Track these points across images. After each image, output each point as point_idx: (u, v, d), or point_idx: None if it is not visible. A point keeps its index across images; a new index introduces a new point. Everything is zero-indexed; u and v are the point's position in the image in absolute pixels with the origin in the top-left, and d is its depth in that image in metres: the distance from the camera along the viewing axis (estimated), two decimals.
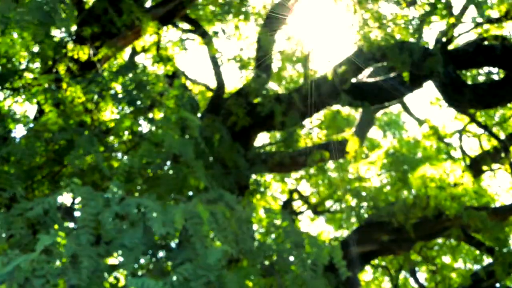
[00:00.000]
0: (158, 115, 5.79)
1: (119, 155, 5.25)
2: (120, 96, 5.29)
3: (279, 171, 9.38)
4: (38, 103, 5.61)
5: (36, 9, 4.73)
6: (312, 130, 8.77)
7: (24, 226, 3.76)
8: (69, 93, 5.44)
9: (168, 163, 4.70)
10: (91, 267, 2.93)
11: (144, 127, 5.45)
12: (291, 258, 3.64)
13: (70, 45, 6.50)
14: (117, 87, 5.48)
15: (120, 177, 4.17)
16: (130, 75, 5.36)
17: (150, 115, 5.93)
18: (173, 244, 3.52)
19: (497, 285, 9.31)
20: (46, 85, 5.13)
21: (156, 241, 3.17)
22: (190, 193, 4.49)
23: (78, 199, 3.46)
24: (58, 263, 2.98)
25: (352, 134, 8.35)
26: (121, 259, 3.19)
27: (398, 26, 7.15)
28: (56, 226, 3.43)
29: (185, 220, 2.99)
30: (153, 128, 4.97)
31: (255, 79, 7.32)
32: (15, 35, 6.11)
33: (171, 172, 4.67)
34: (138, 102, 5.39)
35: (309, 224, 12.67)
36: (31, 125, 5.74)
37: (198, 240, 2.97)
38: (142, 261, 3.43)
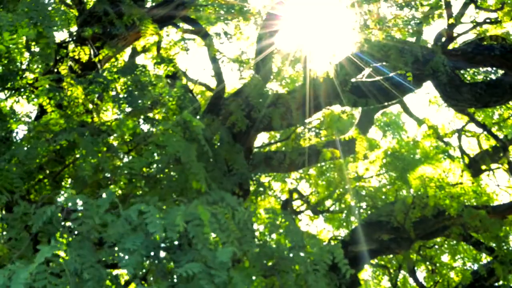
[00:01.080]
0: (159, 115, 5.81)
1: (121, 156, 5.26)
2: (120, 96, 5.31)
3: (280, 171, 9.41)
4: (40, 104, 5.63)
5: (31, 10, 4.73)
6: (312, 130, 8.80)
7: (23, 230, 3.78)
8: (70, 93, 5.46)
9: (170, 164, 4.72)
10: (94, 278, 2.94)
11: (145, 127, 5.47)
12: (292, 258, 3.66)
13: (71, 46, 6.52)
14: (118, 87, 5.50)
15: (122, 179, 4.19)
16: (131, 75, 5.37)
17: (151, 115, 5.95)
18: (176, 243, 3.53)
19: (497, 284, 9.35)
20: (47, 86, 5.15)
21: (159, 242, 3.18)
22: (192, 195, 4.51)
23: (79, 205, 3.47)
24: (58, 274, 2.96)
25: (356, 134, 8.39)
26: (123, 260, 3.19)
27: (397, 26, 7.18)
28: (57, 235, 3.42)
29: (186, 223, 3.00)
30: (155, 129, 4.98)
31: (255, 80, 7.33)
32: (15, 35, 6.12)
33: (173, 173, 4.68)
34: (139, 101, 5.41)
35: (309, 223, 12.70)
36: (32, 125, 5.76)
37: (200, 242, 2.98)
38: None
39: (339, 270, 3.50)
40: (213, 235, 3.23)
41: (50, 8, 4.83)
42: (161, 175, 4.77)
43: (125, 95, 5.26)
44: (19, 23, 4.43)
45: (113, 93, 5.59)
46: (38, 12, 4.55)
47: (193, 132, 4.35)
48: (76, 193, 4.83)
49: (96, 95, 5.75)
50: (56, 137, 4.75)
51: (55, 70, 6.35)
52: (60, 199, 4.99)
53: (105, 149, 4.81)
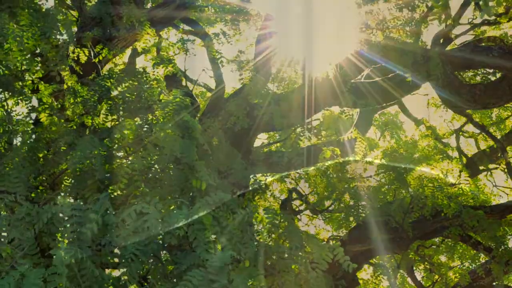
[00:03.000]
0: (158, 116, 5.83)
1: (121, 157, 5.28)
2: (120, 103, 5.35)
3: (279, 171, 9.43)
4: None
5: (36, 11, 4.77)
6: (312, 131, 8.82)
7: (25, 230, 3.80)
8: (70, 96, 5.49)
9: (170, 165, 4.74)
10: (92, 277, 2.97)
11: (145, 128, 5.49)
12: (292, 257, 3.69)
13: (71, 48, 6.54)
14: (117, 90, 5.54)
15: (123, 180, 4.22)
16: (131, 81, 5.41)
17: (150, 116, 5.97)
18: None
19: (494, 283, 9.39)
20: (47, 99, 5.19)
21: (160, 244, 3.21)
22: (192, 195, 4.53)
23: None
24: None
25: (355, 133, 8.41)
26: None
27: (397, 28, 7.22)
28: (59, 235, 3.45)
29: (188, 226, 3.03)
30: (153, 131, 5.00)
31: (254, 80, 7.36)
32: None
33: (172, 173, 4.70)
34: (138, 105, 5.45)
35: (308, 223, 12.71)
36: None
37: (201, 245, 3.01)
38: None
39: (335, 271, 3.54)
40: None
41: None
42: (162, 175, 4.79)
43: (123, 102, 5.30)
44: (26, 34, 4.46)
45: (113, 97, 5.62)
46: (43, 20, 4.58)
47: (193, 131, 4.38)
48: (76, 194, 4.86)
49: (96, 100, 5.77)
50: (56, 140, 4.77)
51: (56, 71, 6.36)
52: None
53: (104, 152, 4.83)
